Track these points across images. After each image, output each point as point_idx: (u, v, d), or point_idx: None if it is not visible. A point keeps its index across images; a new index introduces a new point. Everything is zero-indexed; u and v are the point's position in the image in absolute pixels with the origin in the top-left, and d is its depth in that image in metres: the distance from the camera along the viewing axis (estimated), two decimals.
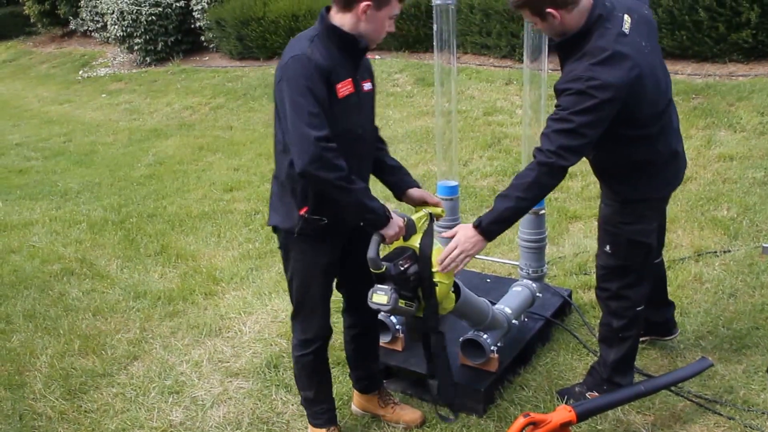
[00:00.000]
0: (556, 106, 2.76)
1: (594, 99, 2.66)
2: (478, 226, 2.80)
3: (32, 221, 6.52)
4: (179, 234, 5.93)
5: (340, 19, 2.65)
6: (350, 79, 2.68)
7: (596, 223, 4.78)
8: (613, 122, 2.76)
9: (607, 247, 3.13)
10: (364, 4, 2.59)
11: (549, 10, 2.76)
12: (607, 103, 2.68)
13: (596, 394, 3.29)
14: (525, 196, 2.77)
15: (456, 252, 2.78)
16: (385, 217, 2.70)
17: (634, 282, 3.17)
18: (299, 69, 2.52)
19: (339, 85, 2.61)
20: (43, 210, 6.87)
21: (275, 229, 2.88)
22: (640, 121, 2.86)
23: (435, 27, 3.79)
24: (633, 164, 2.99)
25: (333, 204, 2.67)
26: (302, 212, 2.71)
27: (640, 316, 3.24)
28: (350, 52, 2.70)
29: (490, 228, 2.80)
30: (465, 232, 2.82)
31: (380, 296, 2.71)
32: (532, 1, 2.79)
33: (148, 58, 14.77)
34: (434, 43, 3.83)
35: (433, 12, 3.78)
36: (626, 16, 2.81)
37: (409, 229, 2.81)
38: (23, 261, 5.59)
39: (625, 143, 2.91)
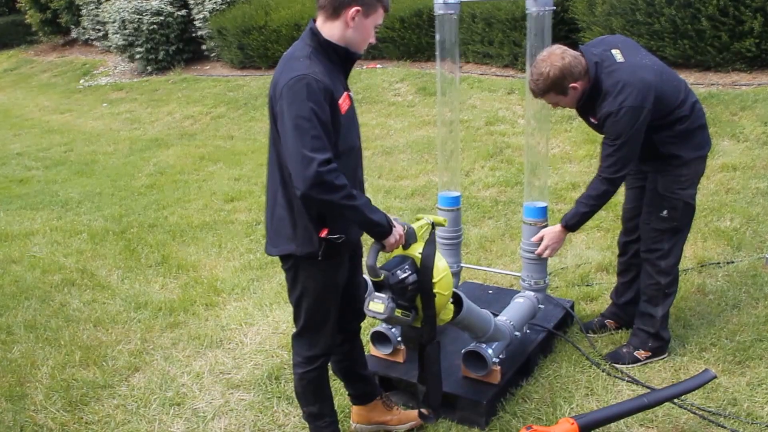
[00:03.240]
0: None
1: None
2: None
3: (33, 231, 6.51)
4: (180, 244, 5.92)
5: (329, 29, 2.63)
6: (347, 93, 2.69)
7: (598, 234, 4.78)
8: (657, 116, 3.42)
9: (665, 212, 3.60)
10: (353, 9, 2.58)
11: (572, 85, 3.36)
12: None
13: (643, 352, 3.75)
14: None
15: None
16: (389, 228, 2.69)
17: (681, 241, 3.70)
18: (305, 91, 2.47)
19: (340, 102, 2.60)
20: (43, 220, 6.86)
21: (286, 257, 2.80)
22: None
23: (437, 36, 3.78)
24: (681, 133, 3.53)
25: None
26: (323, 234, 2.67)
27: (678, 273, 3.78)
28: (344, 66, 2.71)
29: None
30: None
31: (377, 304, 2.70)
32: (556, 83, 3.35)
33: (149, 67, 14.79)
34: (436, 53, 3.82)
35: (436, 21, 3.78)
36: (614, 51, 3.45)
37: (409, 237, 2.79)
38: (24, 271, 5.57)
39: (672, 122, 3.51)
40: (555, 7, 3.58)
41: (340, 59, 2.67)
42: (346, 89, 2.71)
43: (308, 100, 2.47)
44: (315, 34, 2.64)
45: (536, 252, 3.72)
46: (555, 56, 3.34)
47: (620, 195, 3.85)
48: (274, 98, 2.60)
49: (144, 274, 5.35)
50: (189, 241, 5.97)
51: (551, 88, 3.38)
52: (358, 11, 2.59)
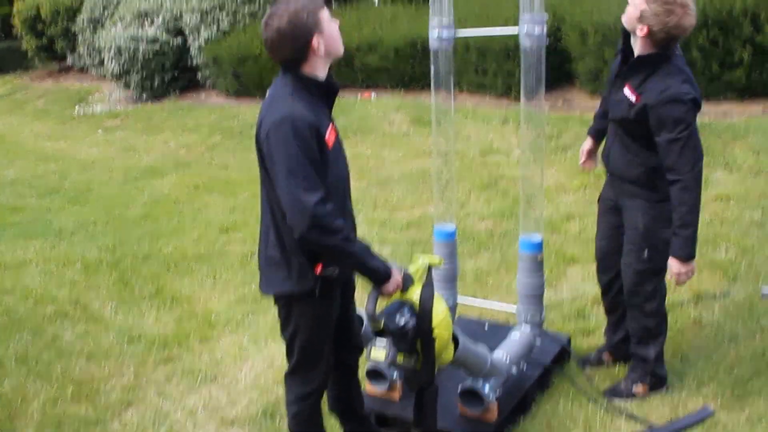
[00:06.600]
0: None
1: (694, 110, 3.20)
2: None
3: (26, 261, 6.46)
4: (174, 276, 5.88)
5: (307, 68, 2.64)
6: (332, 125, 2.70)
7: (594, 266, 4.75)
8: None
9: (645, 253, 3.46)
10: (313, 42, 2.58)
11: (649, 12, 3.12)
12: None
13: (641, 387, 3.69)
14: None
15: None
16: (386, 275, 2.69)
17: (662, 281, 3.60)
18: (291, 132, 2.49)
19: (327, 137, 2.61)
20: (37, 249, 6.80)
21: (281, 296, 2.80)
22: None
23: (432, 69, 3.80)
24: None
25: None
26: (318, 270, 2.67)
27: (666, 311, 3.70)
28: (327, 99, 2.72)
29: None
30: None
31: (378, 352, 2.70)
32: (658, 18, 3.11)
33: (144, 95, 14.81)
34: (431, 84, 3.83)
35: (431, 55, 3.79)
36: None
37: (406, 281, 2.79)
38: (16, 302, 5.53)
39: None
40: (548, 43, 3.60)
41: (321, 93, 2.68)
42: (331, 121, 2.72)
43: (295, 140, 2.48)
44: (293, 71, 2.65)
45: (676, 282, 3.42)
46: None
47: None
48: (260, 140, 2.61)
49: (138, 306, 5.31)
50: (183, 272, 5.93)
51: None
52: (317, 37, 2.60)
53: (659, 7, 3.11)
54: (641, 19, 3.16)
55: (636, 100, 3.26)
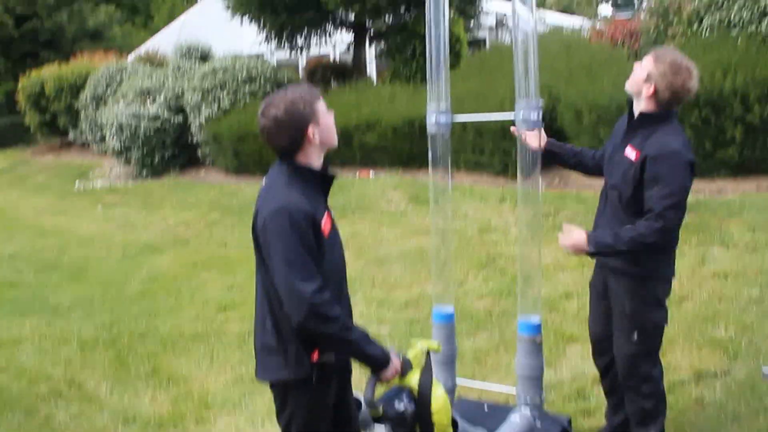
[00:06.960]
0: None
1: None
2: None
3: (21, 338, 6.41)
4: (171, 355, 5.82)
5: (302, 157, 2.70)
6: (328, 213, 2.75)
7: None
8: None
9: (635, 336, 3.46)
10: (309, 132, 2.65)
11: (655, 75, 3.26)
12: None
13: None
14: None
15: None
16: (384, 362, 2.69)
17: (657, 362, 3.59)
18: (287, 221, 2.54)
19: (323, 225, 2.65)
20: (32, 326, 6.75)
21: (277, 383, 2.79)
22: None
23: (430, 152, 3.86)
24: None
25: None
26: (315, 357, 2.67)
27: (664, 391, 3.65)
28: (323, 187, 2.78)
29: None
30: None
31: None
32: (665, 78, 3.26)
33: (144, 171, 14.96)
34: (429, 165, 3.89)
35: (428, 139, 3.86)
36: None
37: (405, 366, 2.79)
38: (10, 381, 5.47)
39: None
40: (543, 126, 3.67)
41: (316, 182, 2.73)
42: (327, 209, 2.76)
43: (291, 230, 2.52)
44: (289, 162, 2.71)
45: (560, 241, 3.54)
46: (677, 55, 3.32)
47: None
48: (257, 229, 2.65)
49: (133, 386, 5.25)
50: (180, 351, 5.88)
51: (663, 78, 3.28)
52: (312, 129, 2.66)
53: (667, 68, 3.26)
54: (648, 78, 3.30)
55: (636, 157, 3.32)
